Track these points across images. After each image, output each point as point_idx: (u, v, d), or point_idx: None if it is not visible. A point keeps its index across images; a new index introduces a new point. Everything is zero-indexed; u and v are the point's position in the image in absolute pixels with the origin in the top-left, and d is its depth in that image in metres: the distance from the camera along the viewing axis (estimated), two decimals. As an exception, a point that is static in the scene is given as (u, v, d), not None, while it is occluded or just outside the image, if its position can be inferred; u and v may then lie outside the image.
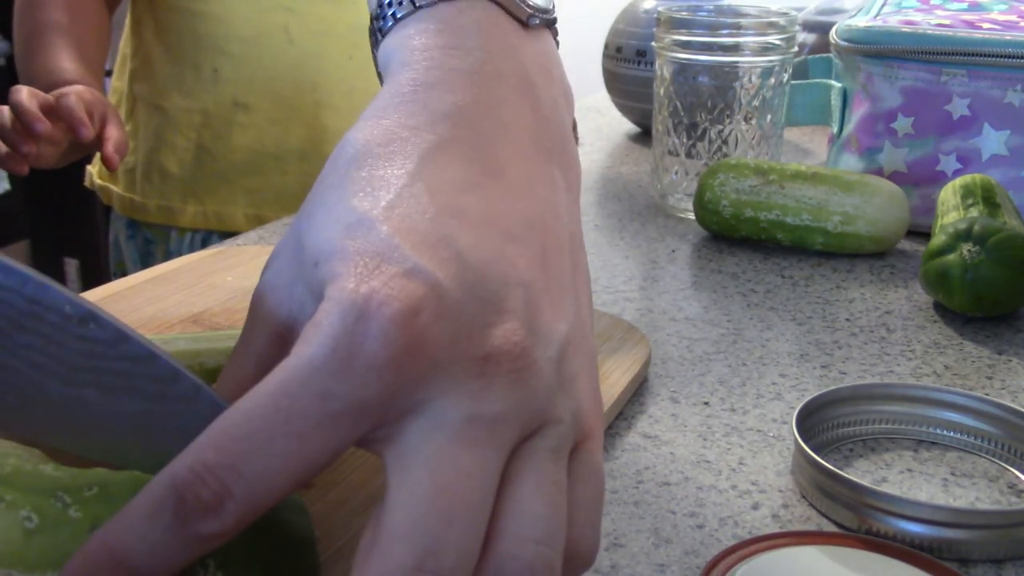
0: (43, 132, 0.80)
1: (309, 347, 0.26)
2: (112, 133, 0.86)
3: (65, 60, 0.93)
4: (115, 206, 1.08)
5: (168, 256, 1.04)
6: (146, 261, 1.06)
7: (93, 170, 1.11)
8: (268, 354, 0.31)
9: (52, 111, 0.82)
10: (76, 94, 0.84)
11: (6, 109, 0.83)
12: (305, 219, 0.30)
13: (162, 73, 1.00)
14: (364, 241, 0.27)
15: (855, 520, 0.41)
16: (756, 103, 0.79)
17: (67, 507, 0.28)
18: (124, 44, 1.06)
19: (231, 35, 0.97)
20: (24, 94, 0.82)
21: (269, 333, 0.31)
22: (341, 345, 0.25)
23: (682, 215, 0.81)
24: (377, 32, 0.36)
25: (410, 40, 0.34)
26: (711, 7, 0.83)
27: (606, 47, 1.08)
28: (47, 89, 0.86)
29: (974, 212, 0.64)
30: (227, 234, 1.01)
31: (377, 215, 0.28)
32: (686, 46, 0.78)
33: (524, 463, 0.27)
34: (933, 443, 0.48)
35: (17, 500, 0.28)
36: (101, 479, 0.29)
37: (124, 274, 1.08)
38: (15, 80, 1.06)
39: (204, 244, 1.03)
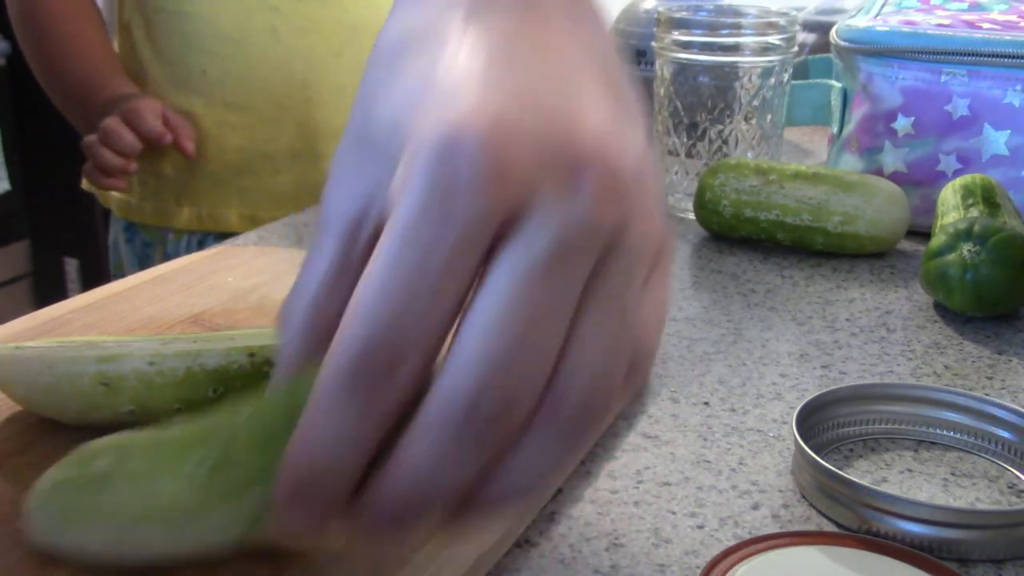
0: (168, 143, 0.95)
1: (410, 198, 0.26)
2: (181, 127, 0.97)
3: (109, 71, 1.00)
4: (113, 208, 1.08)
5: (166, 259, 1.05)
6: (144, 264, 1.06)
7: None
8: (342, 251, 0.31)
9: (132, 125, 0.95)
10: (147, 107, 0.95)
11: (93, 137, 0.95)
12: (363, 108, 0.31)
13: (152, 74, 1.00)
14: (430, 97, 0.28)
15: (855, 520, 0.41)
16: (756, 103, 0.79)
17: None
18: (114, 45, 1.06)
19: (218, 35, 0.97)
20: (114, 122, 0.94)
21: (342, 230, 0.31)
22: (439, 181, 0.26)
23: (682, 215, 0.81)
24: None
25: None
26: (711, 7, 0.83)
27: (606, 47, 1.08)
28: (106, 106, 0.96)
29: (974, 212, 0.64)
30: (222, 235, 1.01)
31: (436, 74, 0.29)
32: (686, 46, 0.78)
33: (598, 290, 0.27)
34: (933, 443, 0.48)
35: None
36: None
37: (123, 276, 1.09)
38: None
39: (201, 246, 1.03)
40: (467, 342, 0.26)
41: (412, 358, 0.26)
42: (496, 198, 0.26)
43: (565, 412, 0.27)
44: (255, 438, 0.30)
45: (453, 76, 0.29)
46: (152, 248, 1.06)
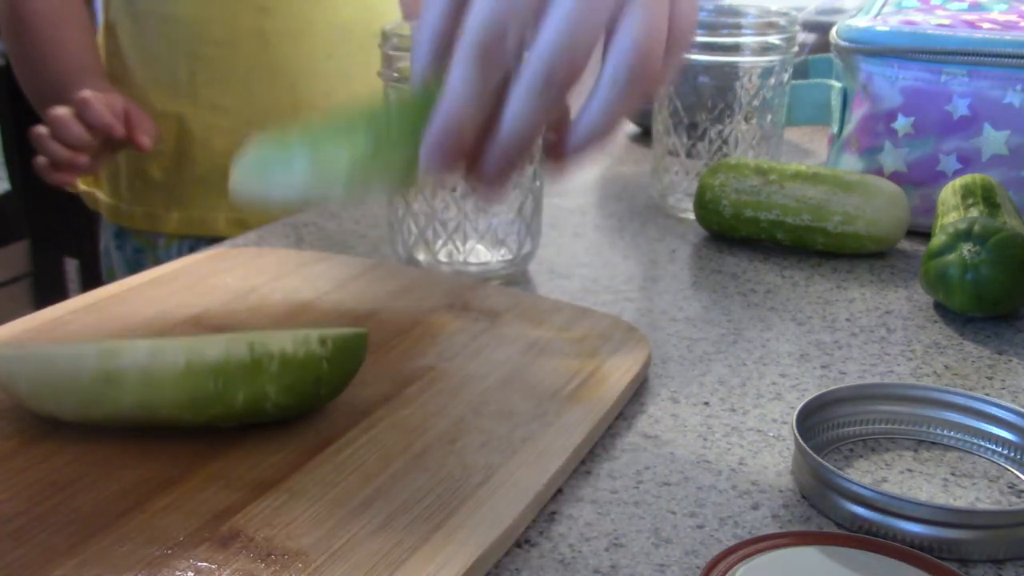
0: (119, 135, 0.90)
1: None
2: (141, 122, 0.93)
3: (87, 73, 0.98)
4: (103, 213, 1.07)
5: (158, 264, 1.04)
6: (136, 270, 1.05)
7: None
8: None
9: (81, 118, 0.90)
10: (96, 98, 0.90)
11: (43, 129, 0.90)
12: None
13: (140, 77, 0.99)
14: None
15: (855, 520, 0.41)
16: (756, 103, 0.79)
17: None
18: (99, 46, 1.05)
19: (206, 38, 0.96)
20: (62, 111, 0.90)
21: None
22: None
23: (682, 215, 0.81)
24: None
25: None
26: (711, 7, 0.83)
27: (606, 47, 1.08)
28: (62, 93, 0.93)
29: (974, 212, 0.64)
30: (212, 240, 1.00)
31: None
32: (686, 46, 0.78)
33: None
34: (933, 443, 0.48)
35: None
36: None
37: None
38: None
39: (192, 252, 1.02)
40: (543, 26, 0.37)
41: (512, 31, 0.37)
42: None
43: (620, 59, 0.38)
44: (404, 119, 0.41)
45: None
46: (143, 255, 1.05)
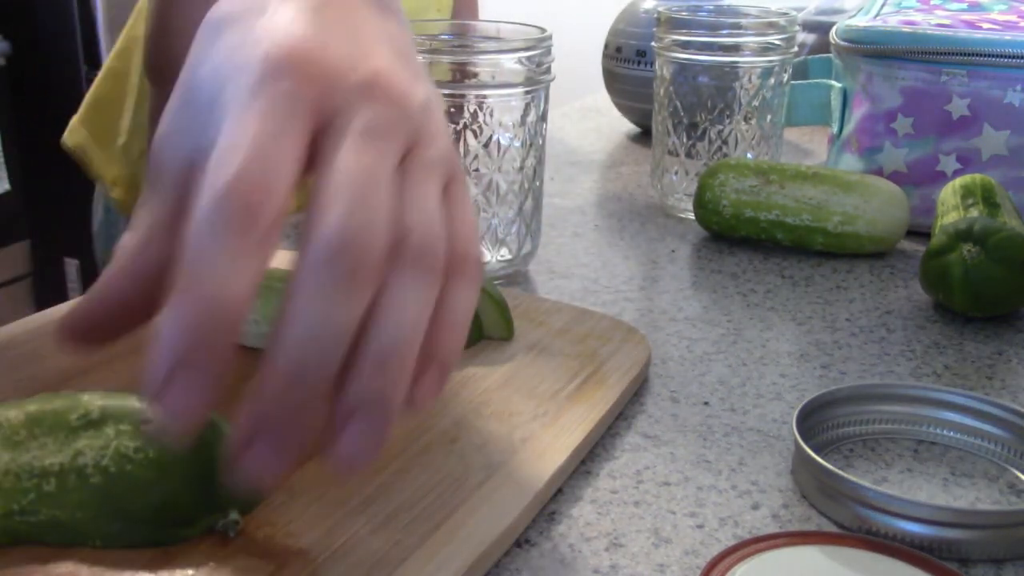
0: None
1: (239, 96, 0.32)
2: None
3: None
4: (114, 206, 1.06)
5: None
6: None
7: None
8: (175, 198, 0.33)
9: None
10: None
11: None
12: (188, 74, 0.35)
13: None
14: (248, 44, 0.33)
15: (855, 520, 0.41)
16: (756, 103, 0.79)
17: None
18: (132, 28, 1.04)
19: None
20: None
21: (174, 181, 0.34)
22: (258, 77, 0.32)
23: (682, 215, 0.81)
24: None
25: None
26: (711, 7, 0.83)
27: (606, 47, 1.08)
28: None
29: (974, 212, 0.64)
30: None
31: (254, 31, 0.34)
32: (686, 46, 0.78)
33: (408, 177, 0.34)
34: (933, 443, 0.48)
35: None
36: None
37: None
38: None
39: None
40: (322, 203, 0.31)
41: (273, 198, 0.30)
42: (307, 85, 0.32)
43: (412, 253, 0.32)
44: None
45: (268, 25, 0.34)
46: None
